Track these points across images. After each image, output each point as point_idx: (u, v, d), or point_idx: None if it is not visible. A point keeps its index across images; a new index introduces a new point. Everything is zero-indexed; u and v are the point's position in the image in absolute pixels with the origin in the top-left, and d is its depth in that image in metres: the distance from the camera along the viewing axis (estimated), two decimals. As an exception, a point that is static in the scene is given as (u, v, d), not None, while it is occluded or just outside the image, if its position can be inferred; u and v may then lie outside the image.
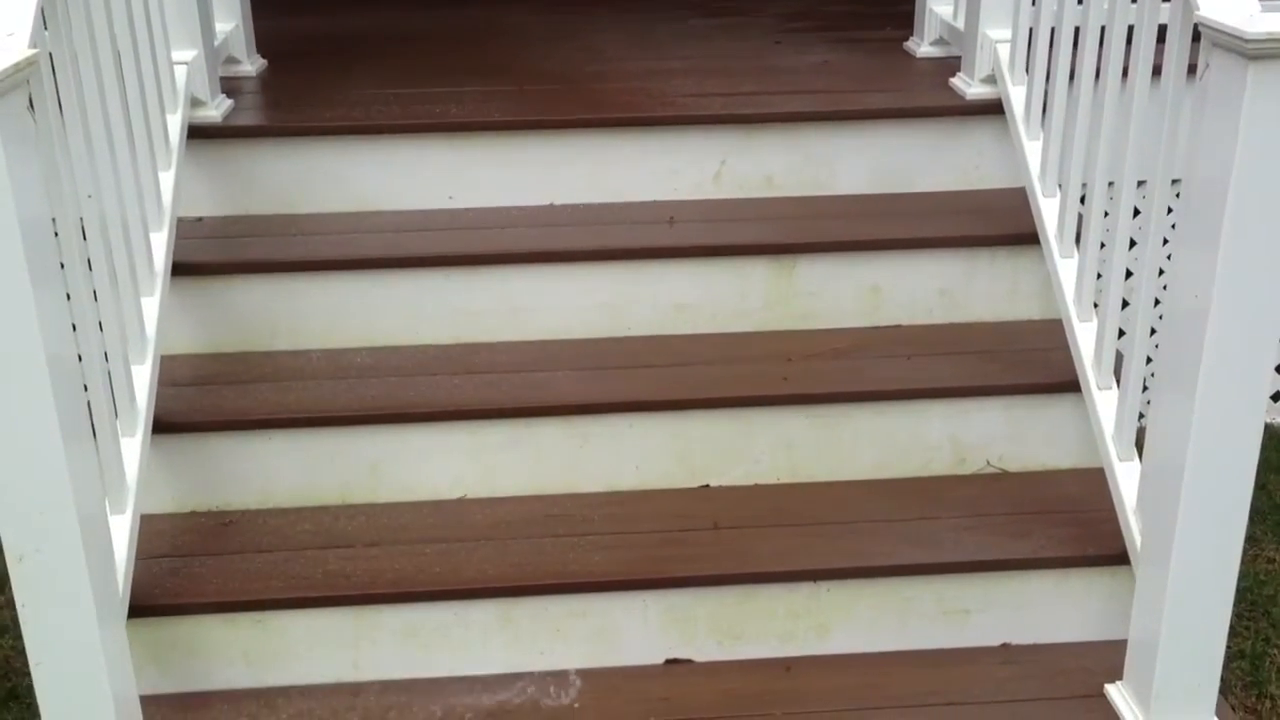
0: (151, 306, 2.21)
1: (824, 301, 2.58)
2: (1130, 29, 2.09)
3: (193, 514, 2.33)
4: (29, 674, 1.78)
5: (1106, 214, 2.21)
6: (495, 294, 2.52)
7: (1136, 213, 2.33)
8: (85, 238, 1.89)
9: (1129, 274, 2.23)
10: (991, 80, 2.74)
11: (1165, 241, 2.26)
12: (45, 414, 1.62)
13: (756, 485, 2.40)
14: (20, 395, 1.61)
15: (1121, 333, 2.22)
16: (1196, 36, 1.75)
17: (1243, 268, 1.69)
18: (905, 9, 3.32)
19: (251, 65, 3.07)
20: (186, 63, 2.59)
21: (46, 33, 1.76)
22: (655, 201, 2.72)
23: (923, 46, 3.18)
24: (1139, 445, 2.06)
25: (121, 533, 1.94)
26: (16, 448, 1.63)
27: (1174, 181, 2.01)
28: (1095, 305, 2.29)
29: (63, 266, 1.74)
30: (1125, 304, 2.22)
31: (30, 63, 1.56)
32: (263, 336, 2.52)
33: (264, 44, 3.20)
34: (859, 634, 2.21)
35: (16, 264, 1.54)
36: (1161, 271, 2.30)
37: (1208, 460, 1.79)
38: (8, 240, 1.52)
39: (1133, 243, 2.20)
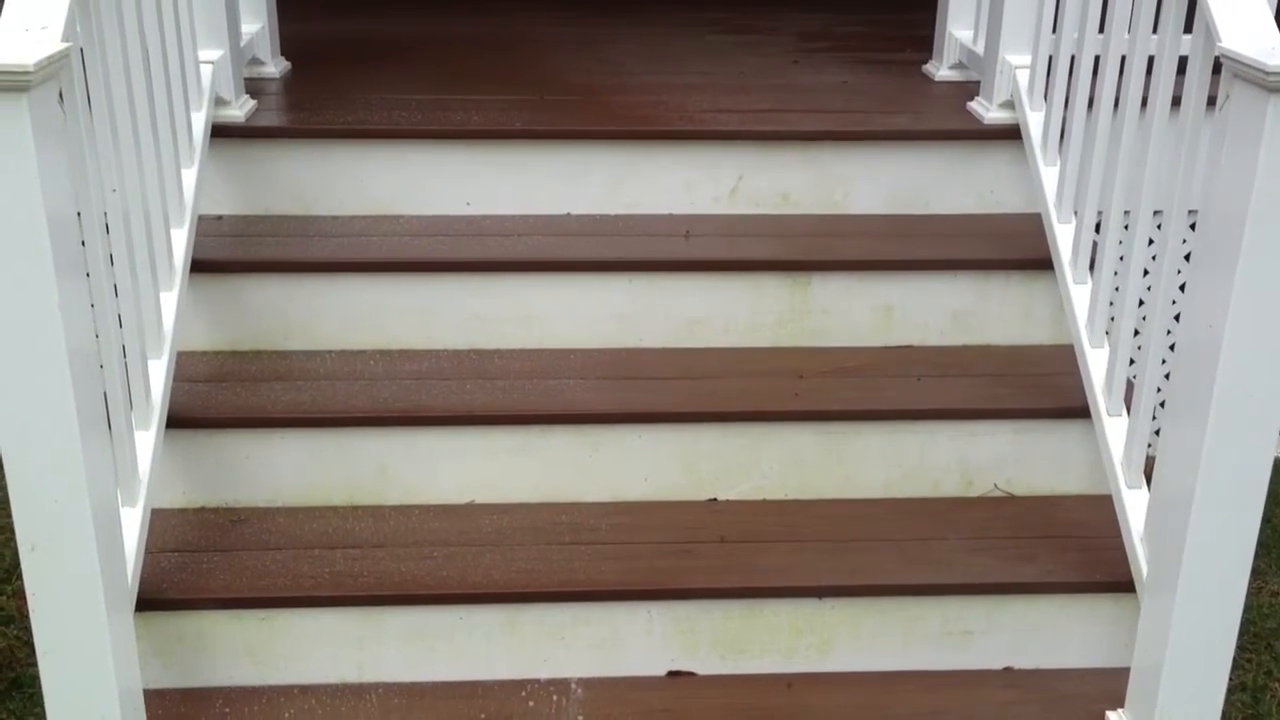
0: (170, 302, 2.23)
1: (837, 320, 2.59)
2: (1150, 59, 2.10)
3: (202, 510, 2.34)
4: (32, 664, 1.80)
5: (1121, 242, 2.22)
6: (510, 301, 2.53)
7: (1151, 241, 2.33)
8: (108, 232, 1.91)
9: (1141, 302, 2.24)
10: (1010, 105, 2.76)
11: (1179, 271, 2.27)
12: (64, 405, 1.63)
13: (764, 500, 2.41)
14: (40, 386, 1.62)
15: (1132, 360, 2.23)
16: (1217, 68, 1.76)
17: (1258, 300, 1.69)
18: (924, 32, 3.33)
19: (275, 67, 3.10)
20: (212, 62, 2.61)
21: (78, 27, 1.78)
22: (671, 215, 2.74)
23: (941, 70, 3.19)
24: (1148, 473, 2.07)
25: (132, 525, 1.95)
26: (34, 437, 1.65)
27: (1190, 212, 2.03)
28: (1107, 332, 2.30)
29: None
30: (1136, 332, 2.23)
31: (63, 56, 1.57)
32: (278, 336, 2.54)
33: (288, 46, 3.22)
34: (862, 652, 2.22)
35: (43, 256, 1.55)
36: (1174, 301, 2.31)
37: (1217, 491, 1.79)
38: (35, 233, 1.54)
39: (1146, 271, 2.20)
